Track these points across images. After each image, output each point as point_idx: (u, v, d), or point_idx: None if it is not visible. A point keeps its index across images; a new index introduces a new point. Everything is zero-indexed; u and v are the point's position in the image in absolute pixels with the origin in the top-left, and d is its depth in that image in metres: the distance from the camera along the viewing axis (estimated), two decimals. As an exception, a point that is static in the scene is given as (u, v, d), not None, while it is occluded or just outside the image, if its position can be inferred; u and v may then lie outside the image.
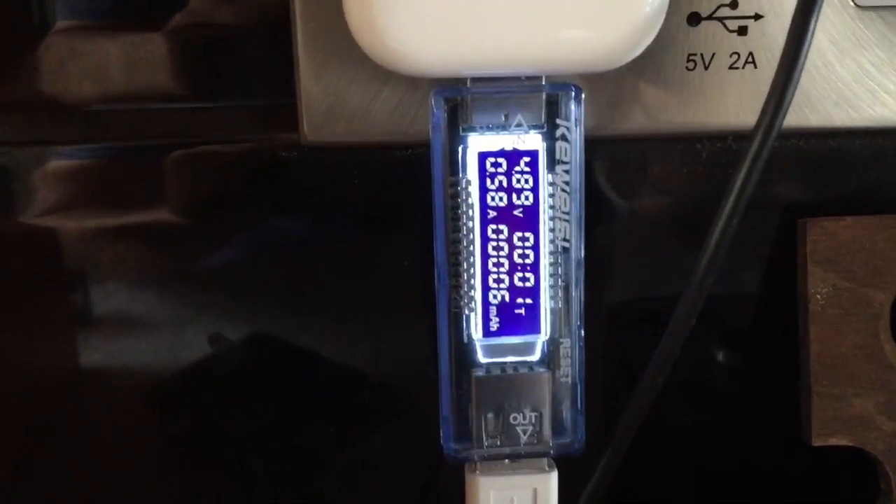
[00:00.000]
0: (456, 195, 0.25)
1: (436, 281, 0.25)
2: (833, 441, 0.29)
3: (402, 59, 0.23)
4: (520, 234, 0.25)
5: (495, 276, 0.25)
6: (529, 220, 0.25)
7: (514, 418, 0.26)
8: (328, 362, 0.30)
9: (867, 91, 0.28)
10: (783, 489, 0.32)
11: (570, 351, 0.26)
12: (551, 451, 0.26)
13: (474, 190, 0.25)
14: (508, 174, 0.25)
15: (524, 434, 0.26)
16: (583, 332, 0.26)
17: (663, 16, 0.23)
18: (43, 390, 0.30)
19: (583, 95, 0.25)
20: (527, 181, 0.25)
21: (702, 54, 0.27)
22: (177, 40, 0.27)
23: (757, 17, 0.27)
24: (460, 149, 0.25)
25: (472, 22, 0.22)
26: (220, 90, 0.28)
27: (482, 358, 0.26)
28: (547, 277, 0.25)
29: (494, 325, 0.25)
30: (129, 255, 0.29)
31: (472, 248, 0.25)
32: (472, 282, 0.25)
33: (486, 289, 0.25)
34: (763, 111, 0.22)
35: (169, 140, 0.28)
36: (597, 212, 0.28)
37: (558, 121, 0.25)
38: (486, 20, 0.22)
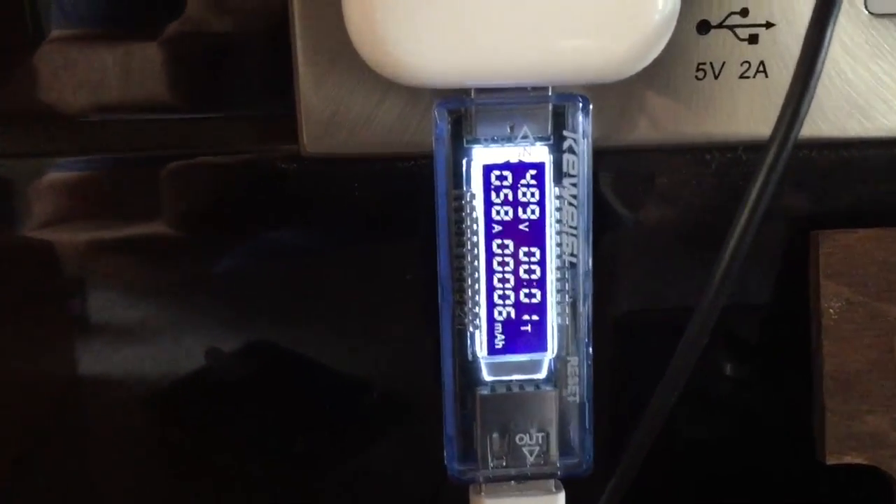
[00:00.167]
0: (460, 209, 0.25)
1: (439, 297, 0.25)
2: (847, 459, 0.29)
3: (405, 69, 0.22)
4: (526, 248, 0.25)
5: (500, 292, 0.25)
6: (536, 234, 0.25)
7: (521, 438, 0.25)
8: (328, 377, 0.30)
9: (881, 100, 0.27)
10: (795, 508, 0.32)
11: (578, 369, 0.26)
12: (559, 473, 0.26)
13: (479, 203, 0.25)
14: (514, 187, 0.24)
15: (531, 455, 0.25)
16: (591, 350, 0.26)
17: (674, 25, 0.23)
18: (41, 400, 0.30)
19: (590, 106, 0.24)
20: (533, 194, 0.24)
21: (711, 63, 0.27)
22: (173, 49, 0.27)
23: (768, 25, 0.26)
24: (464, 161, 0.24)
25: (476, 31, 0.22)
26: (218, 100, 0.28)
27: (487, 376, 0.26)
28: (554, 293, 0.25)
29: (500, 343, 0.25)
30: (126, 268, 0.29)
31: (476, 263, 0.25)
32: (477, 298, 0.25)
33: (491, 305, 0.25)
34: (778, 122, 0.21)
35: (166, 151, 0.28)
36: (604, 225, 0.28)
37: (565, 132, 0.24)
38: (490, 29, 0.22)
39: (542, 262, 0.25)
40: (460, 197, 0.25)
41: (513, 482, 0.26)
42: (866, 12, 0.27)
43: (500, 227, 0.25)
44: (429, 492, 0.31)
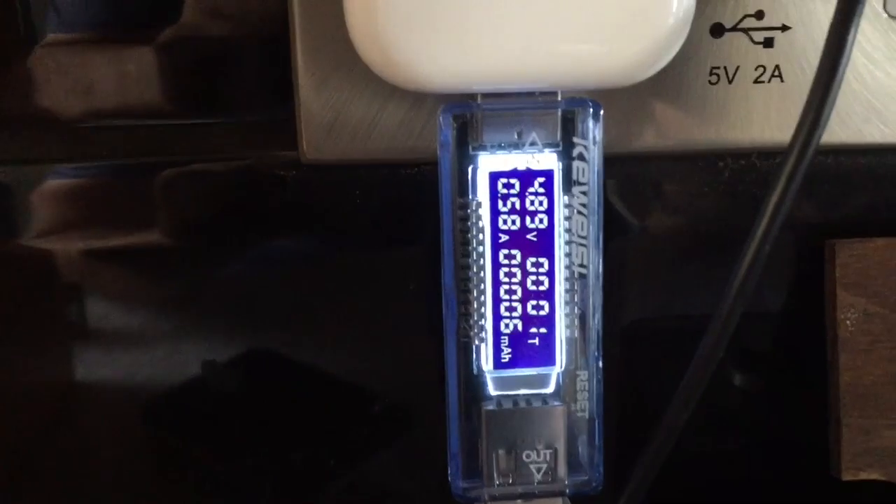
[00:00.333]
0: (465, 218, 0.24)
1: (444, 309, 0.25)
2: (863, 475, 0.29)
3: (408, 74, 0.22)
4: (533, 259, 0.24)
5: (507, 304, 0.25)
6: (544, 244, 0.24)
7: (528, 455, 0.25)
8: (328, 390, 0.29)
9: (900, 105, 0.27)
10: (810, 525, 0.32)
11: (587, 383, 0.25)
12: (567, 491, 0.25)
13: (485, 212, 0.24)
14: (521, 196, 0.24)
15: (538, 472, 0.25)
16: (601, 364, 0.25)
17: (688, 28, 0.22)
18: (36, 408, 0.29)
19: (601, 112, 0.24)
20: (541, 203, 0.24)
21: (725, 67, 0.26)
22: (170, 53, 0.27)
23: (784, 28, 0.26)
24: (470, 169, 0.24)
25: (482, 34, 0.22)
26: (215, 105, 0.27)
27: (493, 391, 0.25)
28: (562, 305, 0.25)
29: (506, 356, 0.25)
30: (121, 276, 0.28)
31: (482, 273, 0.25)
32: (483, 310, 0.25)
33: (497, 317, 0.25)
34: (798, 127, 0.21)
35: (161, 158, 0.28)
36: (613, 234, 0.28)
37: (575, 139, 0.24)
38: (497, 32, 0.22)
39: (550, 273, 0.24)
40: (466, 205, 0.24)
41: (519, 500, 0.25)
42: (885, 14, 0.26)
43: (506, 237, 0.24)
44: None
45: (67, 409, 0.29)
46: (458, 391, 0.25)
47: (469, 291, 0.25)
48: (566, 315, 0.25)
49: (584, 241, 0.24)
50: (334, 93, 0.26)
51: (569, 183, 0.24)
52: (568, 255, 0.25)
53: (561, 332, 0.25)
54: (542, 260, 0.24)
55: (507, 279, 0.24)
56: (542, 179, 0.24)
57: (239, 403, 0.30)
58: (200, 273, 0.28)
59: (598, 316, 0.25)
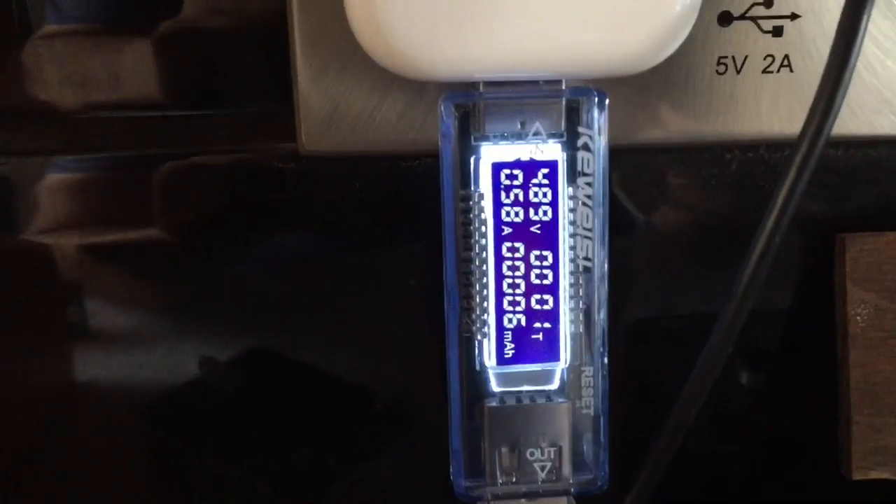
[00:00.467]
0: (467, 210, 0.24)
1: (445, 303, 0.25)
2: (874, 475, 0.29)
3: (409, 62, 0.22)
4: (537, 252, 0.24)
5: (510, 299, 0.24)
6: (548, 236, 0.24)
7: (531, 453, 0.25)
8: (328, 387, 0.29)
9: (911, 96, 0.27)
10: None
11: (592, 380, 0.25)
12: (572, 490, 0.25)
13: (487, 204, 0.24)
14: (525, 187, 0.24)
15: (542, 470, 0.25)
16: (606, 359, 0.25)
17: (695, 16, 0.22)
18: (34, 406, 0.29)
19: (607, 101, 0.24)
20: (545, 195, 0.24)
21: (733, 57, 0.26)
22: (167, 44, 0.26)
23: (793, 16, 0.26)
24: (472, 159, 0.24)
25: (485, 21, 0.21)
26: (212, 96, 0.27)
27: (496, 387, 0.25)
28: (567, 300, 0.24)
29: (509, 352, 0.25)
30: (118, 272, 0.28)
31: (485, 267, 0.24)
32: (485, 304, 0.24)
33: (500, 312, 0.24)
34: (810, 115, 0.21)
35: (157, 150, 0.27)
36: (618, 227, 0.27)
37: (580, 129, 0.24)
38: (501, 18, 0.21)
39: (554, 267, 0.24)
40: (468, 197, 0.24)
41: (523, 499, 0.25)
42: (896, 3, 0.26)
43: (509, 230, 0.24)
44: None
45: (66, 408, 0.29)
46: (460, 388, 0.25)
47: (471, 285, 0.24)
48: (571, 309, 0.25)
49: (589, 234, 0.24)
50: (333, 83, 0.25)
51: (573, 174, 0.24)
52: (572, 247, 0.24)
53: (565, 326, 0.25)
54: (545, 253, 0.24)
55: (510, 273, 0.24)
56: (545, 170, 0.24)
57: (238, 402, 0.29)
58: (198, 267, 0.28)
59: (604, 310, 0.25)
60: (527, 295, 0.24)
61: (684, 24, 0.22)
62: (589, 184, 0.24)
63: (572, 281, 0.24)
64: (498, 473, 0.25)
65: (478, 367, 0.25)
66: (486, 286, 0.24)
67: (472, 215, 0.24)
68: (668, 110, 0.26)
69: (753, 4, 0.25)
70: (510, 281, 0.24)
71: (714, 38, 0.26)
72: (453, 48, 0.21)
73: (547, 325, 0.24)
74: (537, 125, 0.23)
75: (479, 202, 0.24)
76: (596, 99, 0.23)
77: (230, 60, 0.27)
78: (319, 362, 0.29)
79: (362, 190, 0.27)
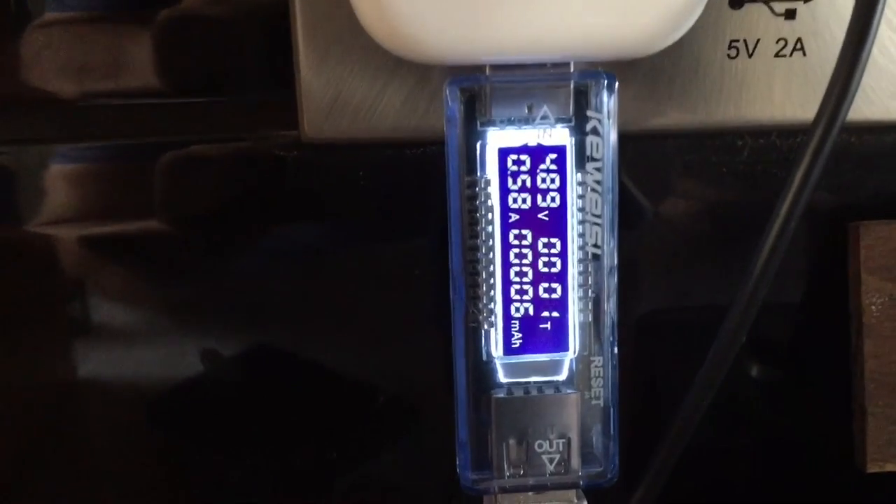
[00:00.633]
0: (473, 197, 0.24)
1: (451, 292, 0.24)
2: (889, 467, 0.28)
3: (413, 45, 0.22)
4: (545, 239, 0.24)
5: (518, 287, 0.24)
6: (556, 223, 0.24)
7: (539, 445, 0.24)
8: (333, 379, 0.29)
9: (927, 80, 0.27)
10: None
11: (602, 370, 0.25)
12: (581, 482, 0.25)
13: (494, 191, 0.23)
14: (532, 173, 0.23)
15: (550, 463, 0.24)
16: (616, 349, 0.25)
17: None
18: (36, 401, 0.29)
19: (616, 84, 0.23)
20: (553, 181, 0.23)
21: (745, 40, 0.26)
22: (166, 31, 0.26)
23: None
24: (478, 145, 0.23)
25: (491, 2, 0.21)
26: (212, 84, 0.27)
27: (503, 378, 0.25)
28: (576, 288, 0.24)
29: (517, 342, 0.24)
30: (118, 265, 0.28)
31: (491, 255, 0.24)
32: (492, 293, 0.24)
33: (507, 301, 0.24)
34: (825, 99, 0.20)
35: (158, 138, 0.27)
36: (627, 215, 0.27)
37: (588, 113, 0.23)
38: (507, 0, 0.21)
39: (562, 254, 0.24)
40: (474, 184, 0.24)
41: (531, 493, 0.25)
42: (913, -15, 0.26)
43: (517, 216, 0.24)
44: (440, 503, 0.30)
45: (68, 403, 0.29)
46: (466, 379, 0.24)
47: (477, 274, 0.24)
48: (580, 298, 0.24)
49: (598, 221, 0.24)
50: (336, 69, 0.25)
51: (582, 159, 0.23)
52: (581, 235, 0.24)
53: (574, 316, 0.24)
54: (554, 240, 0.24)
55: (517, 261, 0.24)
56: (553, 156, 0.23)
57: (240, 396, 0.29)
58: (198, 256, 0.28)
59: (614, 299, 0.24)
60: (534, 283, 0.24)
61: (695, 6, 0.21)
62: (598, 169, 0.23)
63: (581, 269, 0.24)
64: (505, 466, 0.24)
65: (484, 358, 0.24)
66: (492, 274, 0.24)
67: (478, 202, 0.24)
68: (678, 95, 0.26)
69: (766, -14, 0.25)
70: (517, 269, 0.24)
71: (725, 21, 0.25)
72: (460, 30, 0.21)
73: (555, 314, 0.24)
74: (545, 109, 0.23)
75: (485, 188, 0.23)
76: (605, 81, 0.23)
77: (230, 47, 0.27)
78: (322, 353, 0.29)
79: (365, 178, 0.27)
